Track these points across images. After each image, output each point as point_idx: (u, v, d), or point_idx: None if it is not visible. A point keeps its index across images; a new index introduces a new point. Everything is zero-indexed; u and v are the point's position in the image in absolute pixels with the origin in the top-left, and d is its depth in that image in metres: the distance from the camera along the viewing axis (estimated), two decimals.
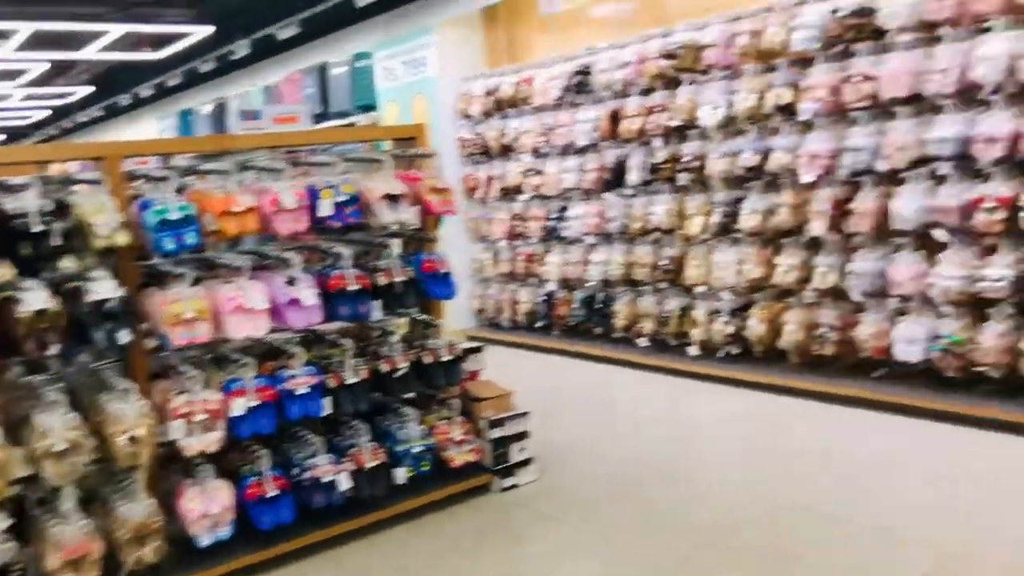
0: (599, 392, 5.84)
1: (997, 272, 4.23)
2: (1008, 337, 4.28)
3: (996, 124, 4.15)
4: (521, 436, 4.19)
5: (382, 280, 3.72)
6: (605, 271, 6.46)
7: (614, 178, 6.33)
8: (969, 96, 4.31)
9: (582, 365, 6.53)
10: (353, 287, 3.62)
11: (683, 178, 5.79)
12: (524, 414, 4.24)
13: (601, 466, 4.35)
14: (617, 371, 6.22)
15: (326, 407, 3.63)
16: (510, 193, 7.29)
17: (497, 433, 4.13)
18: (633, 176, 6.15)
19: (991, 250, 4.34)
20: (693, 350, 5.85)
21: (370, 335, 4.00)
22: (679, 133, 5.86)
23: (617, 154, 6.32)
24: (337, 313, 3.67)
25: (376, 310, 3.72)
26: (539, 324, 7.15)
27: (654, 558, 3.34)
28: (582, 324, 6.75)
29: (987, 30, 4.20)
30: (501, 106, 7.28)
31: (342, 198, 3.55)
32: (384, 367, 3.81)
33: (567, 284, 6.94)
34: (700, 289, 5.82)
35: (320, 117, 9.09)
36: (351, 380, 3.69)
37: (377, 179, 3.70)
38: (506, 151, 7.32)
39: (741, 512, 3.66)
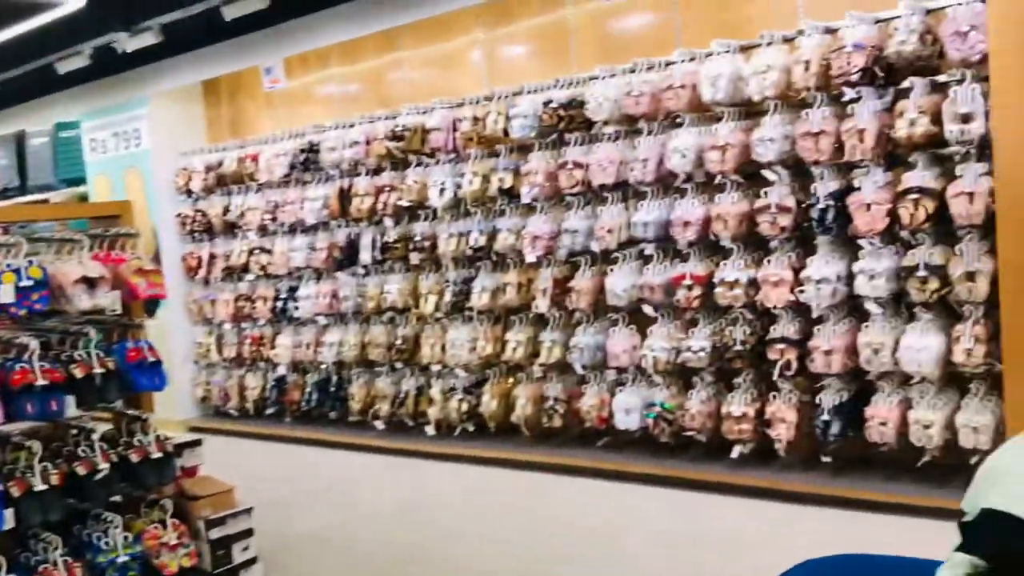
0: (336, 479, 5.61)
1: (698, 343, 4.61)
2: (710, 403, 4.66)
3: (689, 209, 4.58)
4: (245, 534, 3.88)
5: (78, 373, 3.32)
6: (339, 352, 6.30)
7: (346, 257, 6.24)
8: (666, 183, 4.74)
9: (318, 452, 6.25)
10: (41, 382, 3.20)
11: (415, 257, 5.82)
12: (248, 510, 3.94)
13: (338, 557, 4.14)
14: (355, 456, 6.03)
15: (8, 520, 3.14)
16: (235, 272, 6.95)
17: (216, 533, 3.80)
18: (365, 255, 6.10)
19: (692, 323, 4.73)
20: (430, 430, 5.81)
21: (66, 435, 3.55)
22: (410, 213, 5.91)
23: (348, 233, 6.26)
24: (22, 412, 3.22)
25: (71, 407, 3.31)
26: (270, 411, 6.79)
27: None
28: (316, 409, 6.50)
29: (678, 125, 4.66)
30: (224, 182, 6.98)
31: (27, 283, 3.15)
32: (81, 469, 3.38)
33: (299, 367, 6.68)
34: (435, 368, 5.83)
35: (17, 191, 8.20)
36: (39, 487, 3.23)
37: (71, 261, 3.34)
38: (231, 228, 7.00)
39: None
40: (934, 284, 3.90)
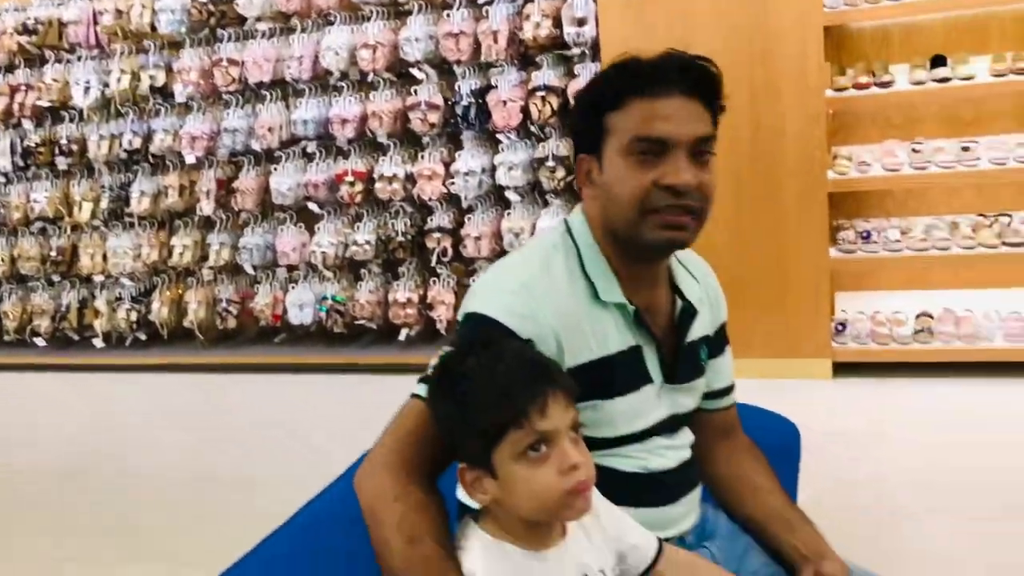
0: None
1: (363, 237, 4.85)
2: (379, 292, 4.96)
3: (346, 107, 4.72)
4: None
5: None
6: None
7: None
8: (323, 82, 4.82)
9: None
10: None
11: (63, 162, 5.43)
12: None
13: (9, 484, 3.96)
14: (14, 377, 5.65)
15: None
16: None
17: None
18: (5, 161, 5.57)
19: (357, 218, 4.95)
20: (98, 342, 5.59)
21: None
22: (52, 114, 5.47)
23: None
24: None
25: None
26: None
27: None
28: None
29: (331, 23, 4.72)
30: None
31: None
32: None
33: None
34: (98, 278, 5.56)
35: None
36: None
37: None
38: None
39: (175, 490, 3.66)
40: (561, 173, 4.40)
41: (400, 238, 4.80)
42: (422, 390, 1.31)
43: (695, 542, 1.50)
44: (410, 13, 4.55)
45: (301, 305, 5.05)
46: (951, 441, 3.37)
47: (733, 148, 3.97)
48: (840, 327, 4.06)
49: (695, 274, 1.59)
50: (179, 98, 5.04)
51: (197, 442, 4.25)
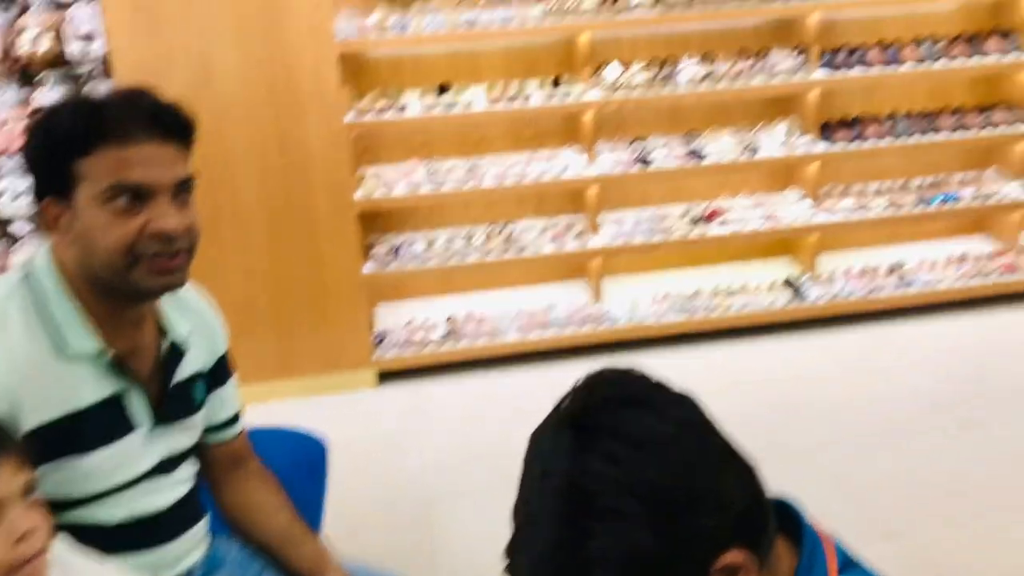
0: None
1: None
2: None
3: None
4: None
5: None
6: None
7: None
8: None
9: None
10: None
11: None
12: None
13: None
14: None
15: None
16: None
17: None
18: None
19: None
20: None
21: None
22: None
23: None
24: None
25: None
26: None
27: None
28: None
29: None
30: None
31: None
32: None
33: None
34: None
35: None
36: None
37: None
38: None
39: None
40: None
41: None
42: None
43: None
44: None
45: None
46: (477, 431, 3.77)
47: (264, 174, 4.00)
48: (380, 338, 4.30)
49: (187, 308, 1.57)
50: None
51: None
